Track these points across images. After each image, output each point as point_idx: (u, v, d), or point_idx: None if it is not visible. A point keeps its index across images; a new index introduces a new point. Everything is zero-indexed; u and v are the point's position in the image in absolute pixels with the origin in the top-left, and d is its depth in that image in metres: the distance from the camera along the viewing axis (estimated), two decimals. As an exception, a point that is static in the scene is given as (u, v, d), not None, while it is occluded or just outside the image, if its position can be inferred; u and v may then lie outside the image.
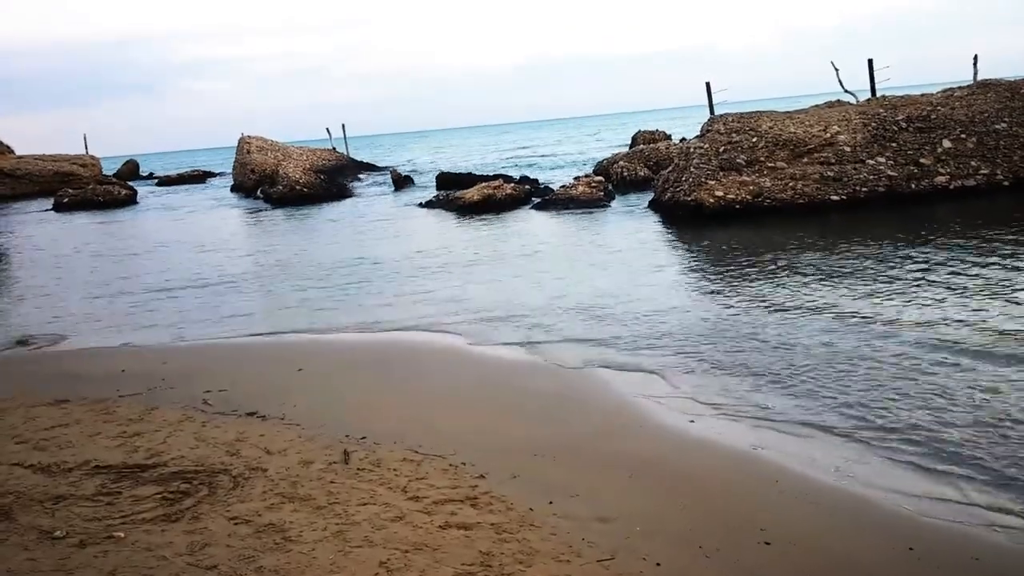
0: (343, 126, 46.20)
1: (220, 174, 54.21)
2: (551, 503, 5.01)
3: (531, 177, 29.88)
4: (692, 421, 6.55)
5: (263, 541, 4.39)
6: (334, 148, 44.65)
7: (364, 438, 6.20)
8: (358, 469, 5.51)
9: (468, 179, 28.62)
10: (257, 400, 7.38)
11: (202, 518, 4.71)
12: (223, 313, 12.15)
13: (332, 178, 35.20)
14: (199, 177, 55.89)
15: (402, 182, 34.30)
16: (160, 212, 33.44)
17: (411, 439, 6.14)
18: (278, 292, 13.70)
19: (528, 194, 24.56)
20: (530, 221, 20.71)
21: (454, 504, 4.90)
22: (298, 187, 31.63)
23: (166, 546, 4.34)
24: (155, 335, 11.02)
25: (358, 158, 48.70)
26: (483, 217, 21.80)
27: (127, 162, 63.79)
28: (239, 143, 39.82)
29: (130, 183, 44.35)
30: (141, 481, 5.34)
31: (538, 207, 22.77)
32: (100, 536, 4.48)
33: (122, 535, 4.48)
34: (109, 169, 52.96)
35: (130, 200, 37.89)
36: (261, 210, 30.22)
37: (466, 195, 23.94)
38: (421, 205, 25.72)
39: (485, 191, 23.79)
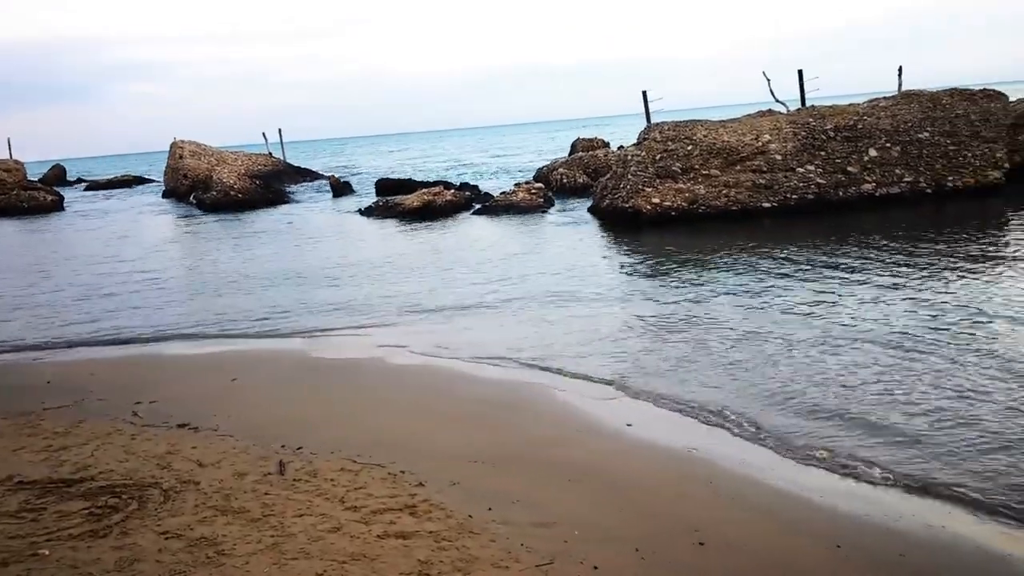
0: (279, 131, 45.57)
1: (153, 180, 52.82)
2: (490, 509, 5.01)
3: (472, 184, 29.91)
4: (630, 425, 6.64)
5: (195, 555, 4.29)
6: (270, 153, 43.90)
7: (301, 448, 6.11)
8: (294, 480, 5.43)
9: (408, 185, 28.48)
10: (189, 411, 7.22)
11: (131, 533, 4.58)
12: (152, 323, 11.83)
13: (268, 183, 34.62)
14: (130, 182, 54.38)
15: (341, 188, 33.93)
16: (86, 219, 32.37)
17: (349, 448, 6.08)
18: (210, 301, 13.39)
19: (469, 200, 24.58)
20: (470, 227, 20.71)
21: (392, 513, 4.87)
22: (232, 192, 31.03)
23: (93, 563, 4.21)
24: (81, 346, 10.67)
25: (298, 163, 48.03)
26: (423, 223, 21.72)
27: (53, 167, 61.55)
28: (171, 148, 38.90)
29: (57, 188, 42.79)
30: (67, 496, 5.16)
31: (478, 213, 22.82)
32: (24, 554, 4.32)
33: (47, 552, 4.33)
34: (36, 174, 51.02)
35: (56, 206, 36.64)
36: (193, 216, 29.53)
37: (406, 201, 23.84)
38: (360, 211, 25.48)
39: (425, 197, 23.73)
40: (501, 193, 24.79)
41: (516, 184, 25.92)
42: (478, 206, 23.73)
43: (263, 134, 45.42)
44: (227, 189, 31.19)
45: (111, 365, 9.54)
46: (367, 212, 25.04)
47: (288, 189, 36.19)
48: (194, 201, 32.95)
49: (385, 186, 29.59)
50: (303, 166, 48.22)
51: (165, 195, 38.71)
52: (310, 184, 40.63)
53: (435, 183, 27.93)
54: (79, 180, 61.09)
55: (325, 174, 42.97)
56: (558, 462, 5.89)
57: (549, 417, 6.97)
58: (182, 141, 38.88)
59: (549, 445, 6.25)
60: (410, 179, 31.57)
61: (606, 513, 5.06)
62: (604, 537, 4.71)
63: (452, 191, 25.30)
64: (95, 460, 5.87)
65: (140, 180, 55.59)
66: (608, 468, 5.78)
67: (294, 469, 5.63)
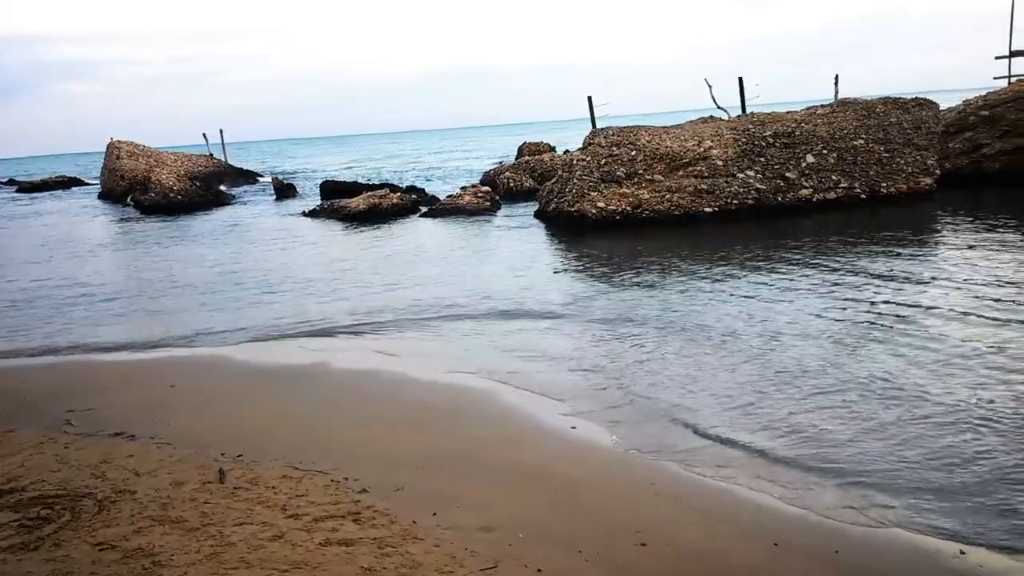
0: (221, 132, 44.68)
1: (89, 183, 51.29)
2: (435, 514, 5.00)
3: (419, 187, 29.78)
4: (574, 428, 6.69)
5: (130, 567, 4.18)
6: (211, 154, 43.05)
7: (241, 456, 6.01)
8: (234, 488, 5.33)
9: (354, 188, 28.21)
10: (126, 419, 7.03)
11: (64, 545, 4.45)
12: (87, 330, 11.50)
13: (209, 185, 33.96)
14: (65, 183, 52.70)
15: (284, 190, 33.45)
16: (15, 220, 31.27)
17: (291, 455, 6.00)
18: (148, 306, 13.06)
19: (415, 203, 24.48)
20: (416, 230, 20.63)
21: (335, 520, 4.82)
22: (171, 194, 30.34)
23: (23, 577, 4.08)
24: (11, 355, 10.31)
25: (241, 165, 47.23)
26: (369, 226, 21.55)
27: (-19, 167, 59.41)
28: (108, 148, 37.88)
29: (-16, 189, 41.31)
30: (-5, 509, 4.98)
31: (425, 216, 22.75)
32: (-53, 571, 4.16)
33: (-28, 568, 4.18)
34: (-39, 174, 49.17)
35: (-16, 208, 35.34)
36: (131, 219, 28.76)
37: (351, 204, 23.63)
38: (304, 214, 25.17)
39: (371, 200, 23.56)
40: (448, 196, 24.75)
41: (463, 187, 25.92)
42: (424, 209, 23.66)
43: (204, 135, 44.59)
44: (166, 191, 30.48)
45: (43, 373, 9.24)
46: (312, 215, 24.74)
47: (230, 191, 35.52)
48: (131, 203, 32.11)
49: (330, 188, 29.25)
50: (246, 167, 47.44)
51: (101, 197, 37.63)
52: (253, 186, 39.99)
53: (381, 186, 27.74)
54: (10, 181, 59.01)
55: (268, 176, 42.34)
56: (504, 465, 5.91)
57: (494, 421, 6.98)
58: (119, 141, 37.87)
59: (495, 448, 6.26)
60: (355, 182, 31.29)
61: (551, 515, 5.09)
62: (548, 540, 4.74)
63: (398, 194, 25.17)
64: (25, 471, 5.68)
65: (75, 181, 53.91)
66: (553, 470, 5.81)
67: (234, 477, 5.53)
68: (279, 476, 5.56)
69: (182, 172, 35.04)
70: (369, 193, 24.74)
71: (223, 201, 31.73)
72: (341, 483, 5.46)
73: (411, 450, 6.19)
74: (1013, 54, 35.62)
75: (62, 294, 14.33)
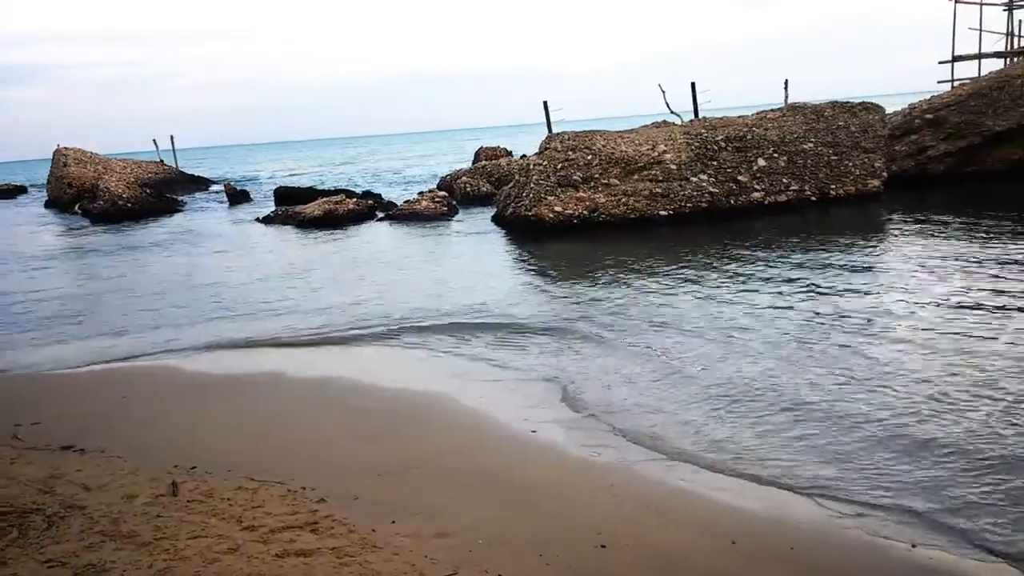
0: (172, 137, 43.95)
1: (35, 191, 49.97)
2: (394, 522, 4.97)
3: (375, 192, 29.61)
4: (534, 431, 6.70)
5: (81, 585, 4.07)
6: (162, 160, 42.28)
7: (195, 468, 5.90)
8: (188, 501, 5.23)
9: (309, 194, 27.93)
10: (75, 432, 6.86)
11: (10, 563, 4.31)
12: (34, 342, 11.19)
13: (160, 192, 33.32)
14: (10, 192, 51.30)
15: (237, 196, 32.99)
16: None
17: (246, 466, 5.91)
18: (98, 316, 12.76)
19: (372, 209, 24.33)
20: (373, 236, 20.50)
21: (292, 531, 4.75)
22: (121, 202, 29.68)
23: (-34, 599, 3.95)
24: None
25: (192, 171, 46.45)
26: (325, 232, 21.35)
27: (-80, 175, 57.47)
28: (55, 155, 36.97)
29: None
30: (-64, 529, 4.81)
31: (382, 221, 22.63)
32: None
33: (-88, 591, 4.03)
34: None
35: (-76, 217, 34.21)
36: (79, 227, 28.07)
37: (306, 210, 23.40)
38: (259, 220, 24.86)
39: (326, 206, 23.35)
40: (405, 202, 24.65)
41: (420, 193, 25.84)
42: (381, 215, 23.53)
43: (154, 141, 43.77)
44: (115, 198, 29.82)
45: (-13, 386, 8.97)
46: (266, 221, 24.45)
47: (181, 198, 34.92)
48: (80, 211, 31.39)
49: (284, 194, 28.90)
50: (198, 174, 46.68)
51: (48, 205, 36.74)
52: (205, 192, 39.36)
53: (336, 191, 27.51)
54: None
55: (221, 182, 41.73)
56: (463, 470, 5.90)
57: (453, 427, 6.96)
58: (66, 148, 36.99)
59: (454, 453, 6.25)
60: (310, 187, 30.98)
61: (510, 520, 5.10)
62: (508, 544, 4.74)
63: (354, 199, 24.98)
64: (-31, 488, 5.49)
65: (21, 189, 52.51)
66: (513, 474, 5.82)
67: (188, 489, 5.42)
68: (234, 488, 5.46)
69: (132, 179, 34.35)
70: (324, 199, 24.54)
71: (174, 208, 31.19)
72: (298, 493, 5.40)
73: (369, 458, 6.15)
74: (955, 59, 36.68)
75: (8, 306, 13.93)
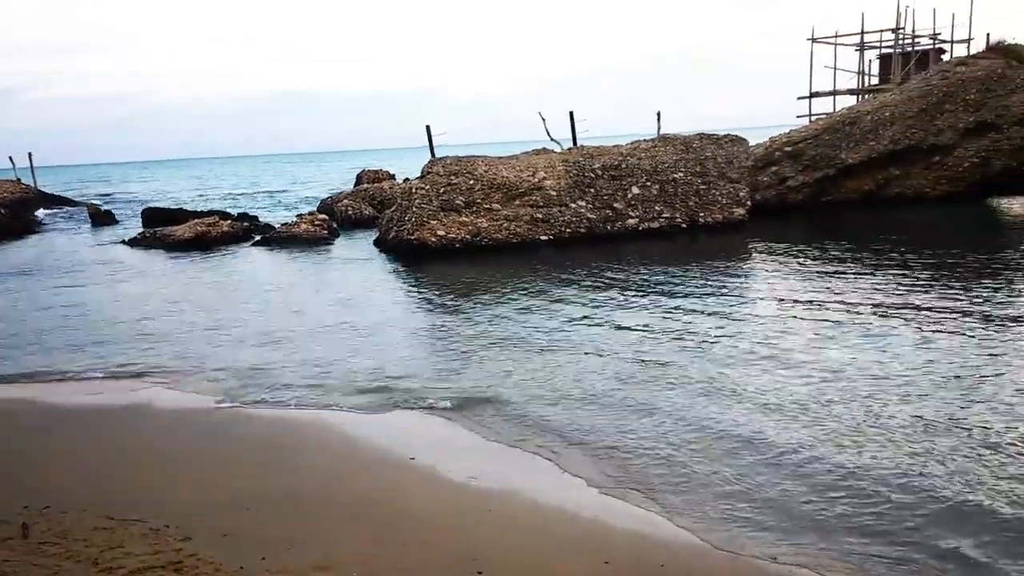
0: (29, 155, 41.30)
1: None
2: (264, 559, 4.80)
3: (252, 214, 28.77)
4: (413, 458, 6.65)
5: (-90, 642, 3.73)
6: (18, 179, 39.62)
7: (47, 508, 5.52)
8: (39, 543, 4.89)
9: (180, 215, 26.84)
10: (-92, 474, 6.29)
11: None
12: None
13: (16, 212, 31.20)
14: None
15: (102, 217, 31.33)
16: None
17: (105, 504, 5.58)
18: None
19: (247, 231, 23.62)
20: (248, 259, 19.87)
21: (154, 572, 4.52)
22: (-29, 222, 27.61)
23: None
24: None
25: (53, 190, 43.80)
26: (197, 256, 20.54)
27: None
28: None
29: None
30: None
31: (258, 244, 21.98)
32: None
33: None
34: None
35: None
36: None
37: (177, 232, 22.46)
38: (124, 243, 23.65)
39: (198, 228, 22.50)
40: (283, 224, 24.07)
41: (299, 215, 25.30)
42: (258, 237, 22.87)
43: (10, 158, 41.06)
44: (-37, 218, 27.71)
45: None
46: (132, 244, 23.30)
47: (40, 219, 32.81)
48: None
49: (153, 216, 27.66)
50: (58, 193, 44.04)
51: None
52: (66, 213, 37.10)
53: (209, 213, 26.56)
54: None
55: (83, 202, 39.51)
56: (339, 501, 5.78)
57: (329, 455, 6.81)
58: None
59: (330, 484, 6.12)
60: (181, 208, 29.81)
61: (387, 549, 5.03)
62: (385, 574, 4.68)
63: (229, 221, 24.19)
64: None
65: None
66: (390, 502, 5.75)
67: (40, 531, 5.07)
68: (91, 527, 5.15)
69: (-18, 198, 32.02)
70: (197, 220, 23.64)
71: (32, 229, 29.29)
72: (161, 531, 5.14)
73: (240, 491, 5.93)
74: (812, 95, 39.24)
75: None
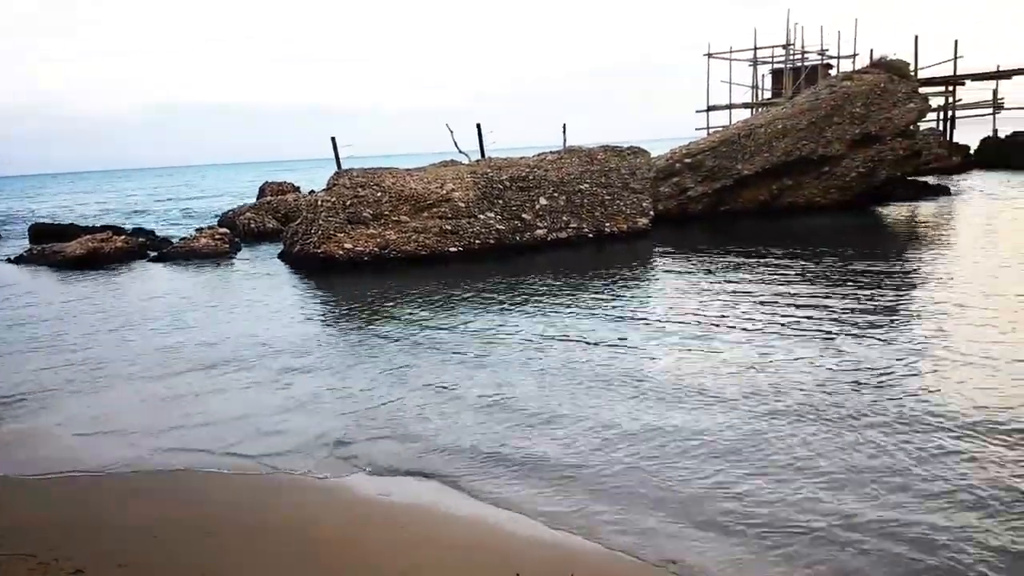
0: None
1: None
2: (165, 588, 4.63)
3: (148, 229, 27.71)
4: (323, 477, 6.52)
5: None
6: None
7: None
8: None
9: (71, 230, 25.61)
10: None
11: None
12: None
13: None
14: None
15: (-16, 234, 29.58)
16: None
17: (-11, 539, 5.26)
18: None
19: (144, 247, 22.72)
20: (143, 276, 19.07)
21: (44, 608, 4.30)
22: None
23: None
24: None
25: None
26: (89, 273, 19.59)
27: None
28: None
29: None
30: None
31: (155, 260, 21.17)
32: None
33: None
34: None
35: None
36: None
37: (68, 249, 21.39)
38: (9, 260, 22.38)
39: (90, 244, 21.48)
40: (181, 239, 23.27)
41: (198, 229, 24.51)
42: (154, 253, 22.02)
43: None
44: None
45: None
46: (17, 261, 22.07)
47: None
48: None
49: (41, 232, 26.31)
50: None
51: None
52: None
53: (103, 228, 25.43)
54: None
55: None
56: (248, 528, 5.64)
57: (235, 480, 6.61)
58: None
59: (237, 510, 5.94)
60: (71, 224, 28.44)
61: (293, 572, 4.92)
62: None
63: (123, 237, 23.21)
64: None
65: None
66: (305, 526, 5.62)
67: (-86, 573, 4.74)
68: (-27, 566, 4.85)
69: None
70: (89, 236, 22.58)
71: (-97, 247, 27.36)
72: (51, 565, 4.88)
73: (140, 518, 5.69)
74: (710, 108, 40.61)
75: None
